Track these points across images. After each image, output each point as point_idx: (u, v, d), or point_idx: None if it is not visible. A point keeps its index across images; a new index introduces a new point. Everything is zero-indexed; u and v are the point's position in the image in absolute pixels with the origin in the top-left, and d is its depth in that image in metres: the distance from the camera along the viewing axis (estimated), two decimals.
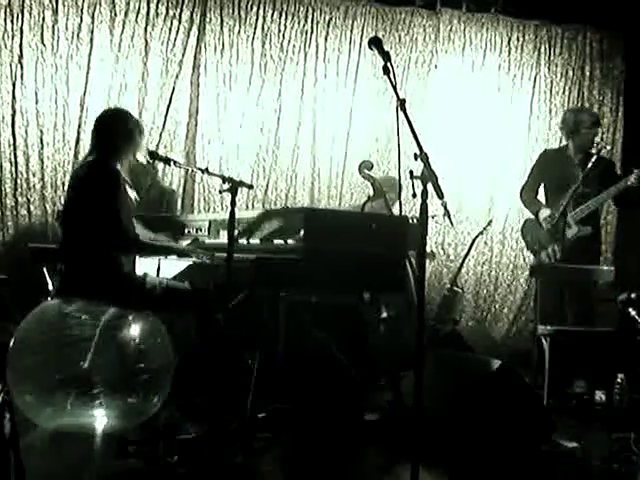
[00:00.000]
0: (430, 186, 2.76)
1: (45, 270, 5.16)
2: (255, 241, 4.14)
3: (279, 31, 6.82)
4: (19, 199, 6.21)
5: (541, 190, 5.94)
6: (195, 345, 4.05)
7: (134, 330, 3.95)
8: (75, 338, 3.80)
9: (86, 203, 3.91)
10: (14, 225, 6.20)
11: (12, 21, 6.17)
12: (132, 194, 4.07)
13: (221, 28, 6.69)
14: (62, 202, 6.15)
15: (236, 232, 4.02)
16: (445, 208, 3.13)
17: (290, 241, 3.90)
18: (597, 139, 5.72)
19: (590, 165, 5.44)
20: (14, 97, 6.18)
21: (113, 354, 3.85)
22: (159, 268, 4.44)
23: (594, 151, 5.58)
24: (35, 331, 3.84)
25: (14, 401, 3.62)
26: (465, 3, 7.25)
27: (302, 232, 3.77)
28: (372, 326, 5.24)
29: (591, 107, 7.39)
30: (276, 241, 4.01)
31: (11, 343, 3.79)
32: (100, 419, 3.79)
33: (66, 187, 6.15)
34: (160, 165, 6.11)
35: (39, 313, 3.96)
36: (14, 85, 6.18)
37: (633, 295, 4.82)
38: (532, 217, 5.87)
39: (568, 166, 5.68)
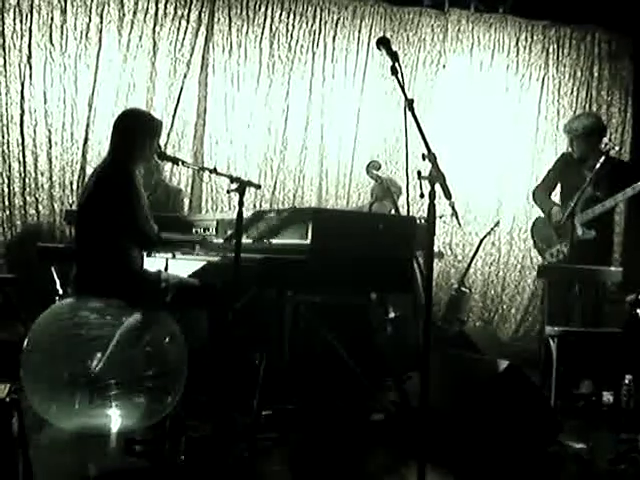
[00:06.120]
0: (438, 186, 2.75)
1: (53, 269, 5.18)
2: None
3: (287, 31, 6.82)
4: (27, 198, 6.23)
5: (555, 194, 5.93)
6: (201, 344, 4.06)
7: (150, 331, 3.97)
8: (88, 337, 3.81)
9: (107, 204, 3.90)
10: (22, 224, 6.22)
11: (21, 21, 6.19)
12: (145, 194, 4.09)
13: (229, 28, 6.70)
14: (70, 202, 6.21)
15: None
16: (453, 208, 3.13)
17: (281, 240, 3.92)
18: (605, 139, 5.70)
19: (598, 167, 5.42)
20: (23, 97, 6.21)
21: (129, 355, 3.86)
22: (167, 267, 4.45)
23: (603, 152, 5.56)
24: (48, 330, 3.85)
25: (28, 400, 3.66)
26: (473, 3, 7.26)
27: (309, 231, 3.77)
28: (379, 326, 5.24)
29: (599, 108, 7.39)
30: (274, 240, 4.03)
31: (25, 342, 3.81)
32: (113, 419, 3.80)
33: (74, 186, 6.27)
34: (168, 165, 6.12)
35: (53, 312, 3.97)
36: (23, 85, 6.21)
37: None
38: (542, 216, 5.86)
39: (580, 169, 5.67)
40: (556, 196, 5.90)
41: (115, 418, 3.79)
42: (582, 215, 5.48)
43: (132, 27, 6.43)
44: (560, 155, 6.05)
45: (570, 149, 5.77)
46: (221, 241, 4.42)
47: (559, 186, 5.87)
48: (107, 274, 3.90)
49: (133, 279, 3.95)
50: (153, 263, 4.36)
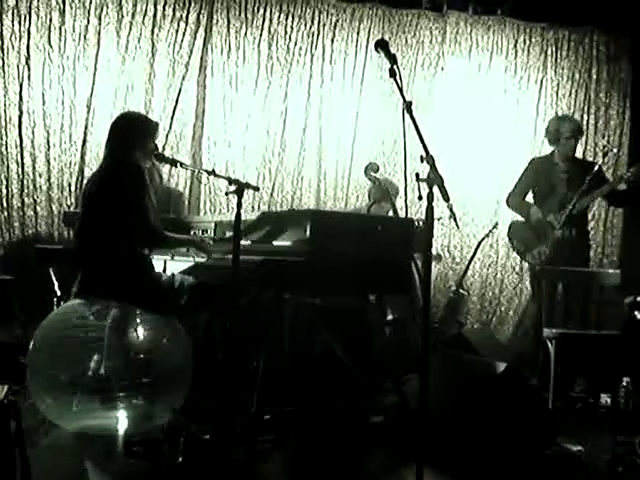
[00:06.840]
0: (436, 189, 2.76)
1: (51, 271, 5.18)
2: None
3: (285, 33, 6.83)
4: (25, 200, 6.22)
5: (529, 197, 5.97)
6: (200, 345, 4.07)
7: (152, 331, 3.96)
8: (93, 340, 3.81)
9: (114, 203, 3.90)
10: (20, 226, 6.21)
11: (19, 22, 6.19)
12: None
13: (227, 30, 6.70)
14: (69, 203, 6.21)
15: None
16: (451, 210, 3.14)
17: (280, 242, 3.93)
18: (604, 141, 5.75)
19: (597, 168, 5.47)
20: (21, 98, 6.21)
21: (125, 355, 3.86)
22: (165, 269, 4.45)
23: (600, 154, 5.61)
24: (55, 332, 3.85)
25: (32, 400, 3.67)
26: (472, 5, 7.25)
27: (307, 233, 3.78)
28: (377, 328, 5.24)
29: (598, 110, 7.40)
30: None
31: (32, 342, 3.81)
32: (117, 421, 3.80)
33: (73, 188, 6.26)
34: (166, 167, 6.12)
35: (61, 313, 3.97)
36: (21, 86, 6.21)
37: (639, 298, 4.81)
38: (518, 219, 5.91)
39: (554, 173, 5.73)
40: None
41: (119, 419, 3.80)
42: (559, 215, 5.53)
43: (131, 29, 6.44)
44: (530, 161, 6.08)
45: (554, 149, 5.81)
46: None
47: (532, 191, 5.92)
48: (121, 278, 3.88)
49: (148, 283, 3.94)
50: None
